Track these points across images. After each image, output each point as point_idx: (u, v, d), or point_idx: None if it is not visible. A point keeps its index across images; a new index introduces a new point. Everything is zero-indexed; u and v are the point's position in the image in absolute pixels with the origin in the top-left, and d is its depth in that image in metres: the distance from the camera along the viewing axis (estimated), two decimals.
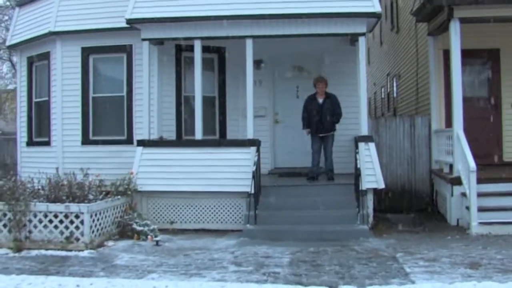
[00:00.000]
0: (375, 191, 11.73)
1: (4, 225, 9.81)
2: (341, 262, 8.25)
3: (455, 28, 11.38)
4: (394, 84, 20.97)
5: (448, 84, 12.49)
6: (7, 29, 33.90)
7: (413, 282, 6.98)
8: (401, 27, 18.48)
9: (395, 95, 20.82)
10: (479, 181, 10.66)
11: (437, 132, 13.25)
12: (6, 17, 35.12)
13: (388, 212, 13.18)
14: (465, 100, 13.26)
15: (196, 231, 11.48)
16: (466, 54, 12.89)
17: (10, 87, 38.14)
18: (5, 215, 9.77)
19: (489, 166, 12.60)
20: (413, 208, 13.47)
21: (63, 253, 9.26)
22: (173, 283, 6.95)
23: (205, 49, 12.57)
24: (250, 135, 11.77)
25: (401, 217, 12.64)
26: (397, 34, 19.61)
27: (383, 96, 25.01)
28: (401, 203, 13.62)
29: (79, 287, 6.83)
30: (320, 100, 12.18)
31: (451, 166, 11.89)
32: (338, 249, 9.20)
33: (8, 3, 34.12)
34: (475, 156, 10.91)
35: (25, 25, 14.53)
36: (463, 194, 11.09)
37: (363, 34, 11.54)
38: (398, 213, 13.10)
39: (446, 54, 12.60)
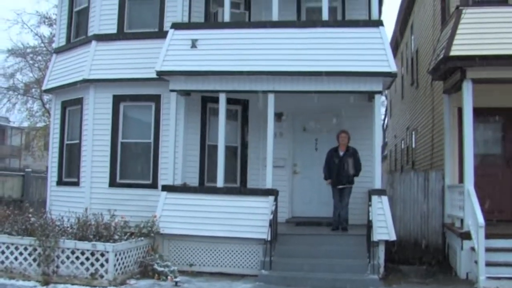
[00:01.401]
0: (389, 242, 12.18)
1: (34, 259, 10.49)
2: None
3: (467, 88, 11.95)
4: (413, 138, 21.49)
5: (462, 141, 12.97)
6: (40, 69, 35.31)
7: None
8: (420, 83, 19.09)
9: (413, 148, 21.32)
10: (490, 236, 11.07)
11: (450, 187, 13.68)
12: (39, 57, 36.54)
13: (401, 263, 13.53)
14: (480, 156, 13.88)
15: (214, 274, 11.97)
16: (482, 112, 13.53)
17: (39, 125, 39.16)
18: (35, 249, 10.46)
19: (502, 222, 13.02)
20: (425, 260, 13.76)
21: None
22: None
23: (229, 101, 13.34)
24: (268, 185, 12.34)
25: (413, 268, 12.99)
26: (416, 90, 20.21)
27: (402, 148, 25.53)
28: (414, 255, 13.93)
29: None
30: (341, 153, 12.76)
31: (462, 221, 12.30)
32: None
33: (42, 45, 35.54)
34: (488, 212, 11.37)
35: (61, 71, 15.42)
36: (473, 249, 11.46)
37: (379, 92, 12.18)
38: (410, 265, 13.44)
39: (461, 111, 13.09)
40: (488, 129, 14.41)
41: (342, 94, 12.72)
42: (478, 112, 13.67)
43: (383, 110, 38.91)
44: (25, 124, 47.18)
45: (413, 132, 21.28)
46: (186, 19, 13.64)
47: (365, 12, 13.09)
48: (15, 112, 43.66)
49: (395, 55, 27.53)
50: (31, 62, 39.13)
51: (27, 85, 39.44)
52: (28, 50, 39.45)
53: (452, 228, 13.03)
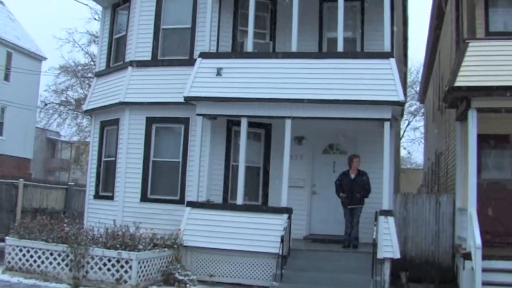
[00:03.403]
0: (401, 261, 12.97)
1: (66, 265, 11.77)
2: None
3: (472, 117, 12.62)
4: (439, 161, 22.11)
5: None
6: (89, 86, 37.19)
7: None
8: (443, 109, 19.77)
9: (438, 171, 21.96)
10: (489, 257, 11.79)
11: (460, 210, 14.35)
12: (90, 74, 38.47)
13: (412, 281, 14.29)
14: (491, 181, 14.49)
15: (232, 284, 12.95)
16: (494, 139, 14.21)
17: (88, 139, 40.96)
18: (67, 256, 11.74)
19: (509, 245, 13.60)
20: (436, 279, 14.47)
21: None
22: None
23: (254, 125, 14.48)
24: (283, 203, 13.31)
25: (421, 286, 13.72)
26: (441, 114, 20.87)
27: (433, 170, 26.10)
28: (424, 274, 14.64)
29: None
30: (352, 176, 13.64)
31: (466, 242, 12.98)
32: None
33: (92, 63, 37.42)
34: (497, 235, 11.99)
35: (100, 93, 16.82)
36: (473, 268, 12.14)
37: (388, 120, 13.02)
38: (420, 283, 14.18)
39: None
40: (499, 155, 15.01)
41: (357, 120, 13.56)
42: (490, 139, 14.44)
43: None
44: (75, 138, 49.43)
45: (439, 156, 21.91)
46: (214, 48, 14.83)
47: (381, 42, 13.92)
48: (65, 127, 45.97)
49: (428, 77, 28.32)
50: (81, 79, 41.25)
51: (77, 100, 41.51)
52: (79, 68, 41.65)
53: (458, 249, 13.70)
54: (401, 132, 47.15)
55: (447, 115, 18.01)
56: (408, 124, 47.37)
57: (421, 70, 34.63)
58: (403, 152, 50.71)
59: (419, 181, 37.96)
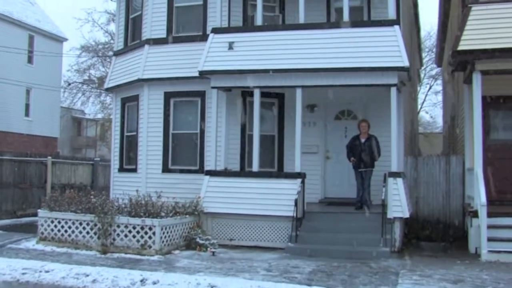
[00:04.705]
0: (414, 221, 13.67)
1: (95, 233, 12.59)
2: (351, 274, 10.23)
3: (476, 79, 13.05)
4: (454, 124, 22.51)
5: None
6: (111, 64, 38.03)
7: None
8: (449, 71, 20.10)
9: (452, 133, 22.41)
10: (495, 214, 12.38)
11: (469, 170, 14.86)
12: (110, 52, 39.20)
13: (424, 240, 14.86)
14: (500, 141, 14.95)
15: (251, 247, 13.67)
16: (501, 100, 14.65)
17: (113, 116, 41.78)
18: (95, 225, 12.56)
19: None
20: (447, 237, 14.99)
21: (138, 257, 11.85)
22: (210, 278, 9.29)
23: (267, 95, 15.06)
24: (297, 168, 13.94)
25: (432, 245, 14.25)
26: (453, 78, 21.21)
27: (450, 133, 26.49)
28: (436, 233, 15.20)
29: (142, 276, 9.33)
30: (362, 140, 14.22)
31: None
32: (356, 265, 11.14)
33: (112, 42, 38.12)
34: (503, 192, 12.51)
35: (120, 72, 17.56)
36: (479, 226, 12.71)
37: (394, 85, 13.50)
38: (432, 241, 14.74)
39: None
40: (508, 116, 15.38)
41: (365, 87, 14.06)
42: (499, 100, 14.84)
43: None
44: (99, 116, 50.49)
45: (453, 119, 22.29)
46: (225, 23, 15.41)
47: (387, 10, 14.26)
48: (89, 105, 46.99)
49: (443, 41, 28.46)
50: (102, 57, 42.08)
51: (99, 79, 42.40)
52: (99, 47, 42.46)
53: (467, 207, 14.25)
54: (423, 96, 47.30)
55: (457, 78, 18.39)
56: (430, 88, 47.35)
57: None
58: (426, 117, 50.88)
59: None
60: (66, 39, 40.11)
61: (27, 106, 35.82)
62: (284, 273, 10.23)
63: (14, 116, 34.28)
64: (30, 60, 36.02)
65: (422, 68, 41.10)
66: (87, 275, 9.79)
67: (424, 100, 47.82)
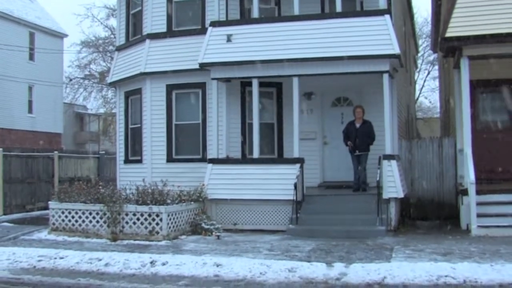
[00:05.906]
0: (409, 201, 14.51)
1: (104, 222, 13.26)
2: (349, 251, 10.89)
3: (464, 65, 13.60)
4: (448, 108, 23.10)
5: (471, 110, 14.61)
6: (112, 59, 38.53)
7: (388, 262, 9.56)
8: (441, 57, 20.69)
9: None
10: (485, 192, 13.05)
11: (460, 151, 15.45)
12: (111, 47, 39.69)
13: (419, 219, 15.57)
14: (489, 123, 15.58)
15: (254, 231, 14.30)
16: (489, 83, 15.26)
17: (115, 110, 42.28)
18: (104, 214, 13.22)
19: (506, 181, 14.74)
20: (441, 216, 15.69)
21: (146, 242, 12.52)
22: (216, 258, 9.96)
23: (265, 84, 15.68)
24: (296, 154, 14.58)
25: (427, 223, 15.01)
26: (446, 63, 21.79)
27: (445, 117, 27.10)
28: (431, 212, 15.91)
29: (151, 258, 10.00)
30: (357, 125, 14.83)
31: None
32: (354, 243, 11.78)
33: (112, 36, 38.65)
34: (492, 171, 13.12)
35: (122, 66, 18.16)
36: (469, 203, 13.35)
37: (386, 72, 14.10)
38: (427, 220, 15.45)
39: (470, 84, 14.69)
40: (496, 98, 16.01)
41: (358, 74, 14.64)
42: (488, 83, 15.45)
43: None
44: (101, 110, 50.97)
45: (447, 103, 22.88)
46: (223, 17, 16.02)
47: None
48: (91, 100, 47.50)
49: (438, 27, 28.97)
50: (103, 52, 42.55)
51: (101, 73, 42.88)
52: (100, 42, 42.90)
53: (458, 186, 14.89)
54: (422, 82, 47.81)
55: (448, 63, 18.97)
56: (428, 74, 47.84)
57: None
58: (425, 102, 51.37)
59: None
60: (66, 35, 40.67)
61: (30, 102, 36.41)
62: (286, 252, 10.89)
63: (18, 113, 34.89)
64: (31, 57, 36.61)
65: (419, 54, 41.59)
66: (100, 260, 10.44)
67: (423, 85, 48.38)
